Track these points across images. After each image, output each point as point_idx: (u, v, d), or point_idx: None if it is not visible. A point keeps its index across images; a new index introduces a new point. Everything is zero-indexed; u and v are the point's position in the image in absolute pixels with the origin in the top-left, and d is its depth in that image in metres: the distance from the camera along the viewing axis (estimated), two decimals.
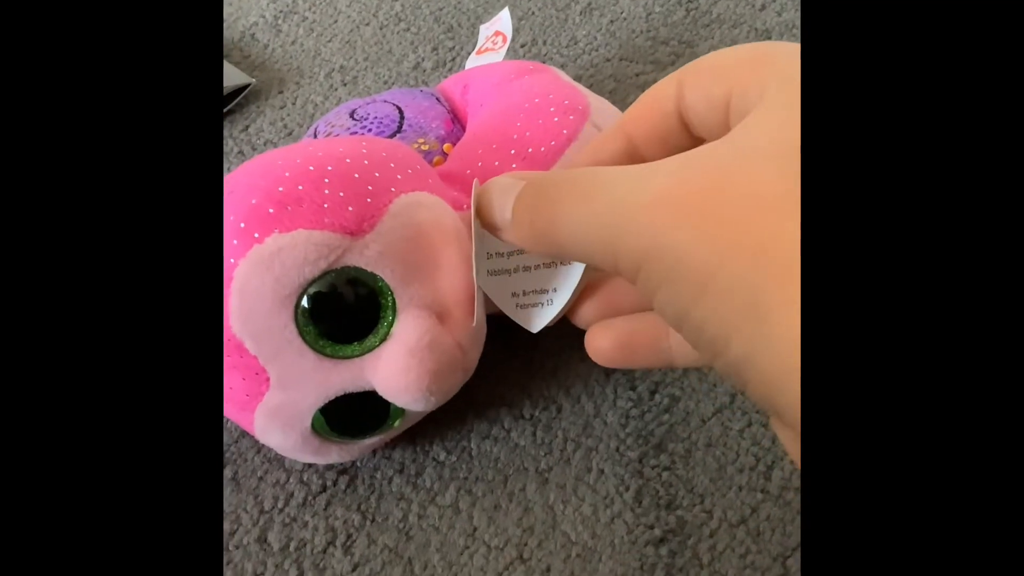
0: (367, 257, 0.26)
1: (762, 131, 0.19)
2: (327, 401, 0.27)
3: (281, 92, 0.50)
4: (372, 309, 0.26)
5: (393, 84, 0.50)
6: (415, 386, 0.26)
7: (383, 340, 0.27)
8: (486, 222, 0.25)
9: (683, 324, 0.20)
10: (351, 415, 0.29)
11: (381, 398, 0.28)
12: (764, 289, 0.17)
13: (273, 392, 0.27)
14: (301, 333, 0.25)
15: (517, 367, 0.35)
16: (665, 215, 0.19)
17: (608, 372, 0.35)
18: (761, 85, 0.20)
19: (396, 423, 0.30)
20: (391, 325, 0.27)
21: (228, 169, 0.46)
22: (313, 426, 0.28)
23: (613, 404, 0.34)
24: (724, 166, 0.19)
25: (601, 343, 0.26)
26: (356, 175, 0.26)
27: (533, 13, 0.55)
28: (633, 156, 0.25)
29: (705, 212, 0.18)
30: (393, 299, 0.26)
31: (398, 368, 0.26)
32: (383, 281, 0.26)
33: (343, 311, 0.26)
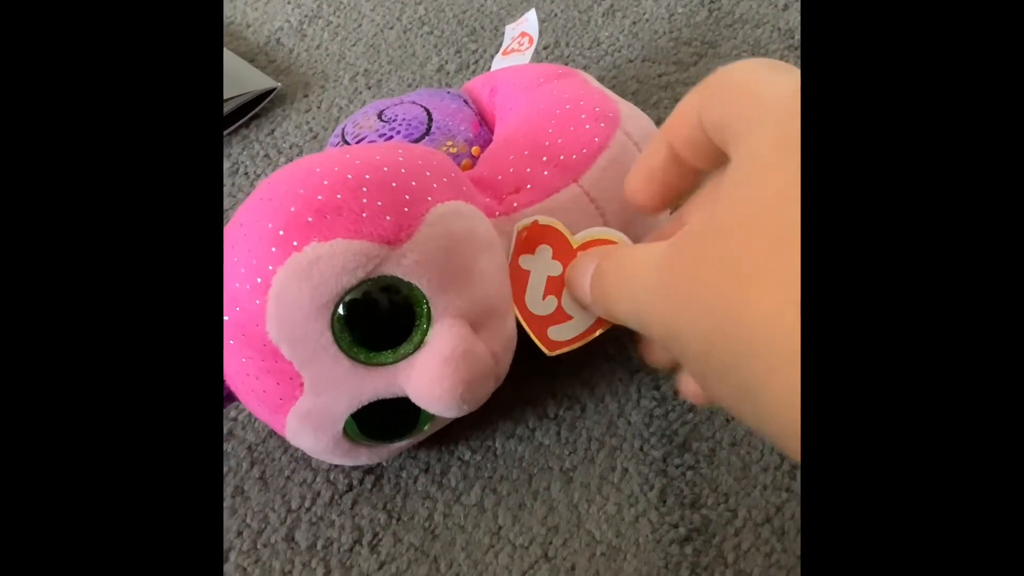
0: (404, 266, 0.26)
1: (742, 197, 0.20)
2: (360, 407, 0.28)
3: (306, 96, 0.51)
4: (407, 317, 0.27)
5: (417, 87, 0.51)
6: (449, 395, 0.27)
7: (417, 348, 0.27)
8: (581, 303, 0.30)
9: (714, 391, 0.22)
10: (383, 420, 0.29)
11: (412, 403, 0.28)
12: (749, 371, 0.19)
13: (306, 397, 0.27)
14: (336, 340, 0.26)
15: (541, 367, 0.35)
16: (667, 306, 0.22)
17: (632, 371, 0.35)
18: (747, 120, 0.21)
19: (426, 427, 0.30)
20: (425, 333, 0.27)
21: (256, 175, 0.46)
22: (345, 430, 0.28)
23: (637, 403, 0.34)
24: (708, 244, 0.21)
25: (692, 387, 0.27)
26: (393, 184, 0.26)
27: (556, 15, 0.55)
28: (678, 161, 0.25)
29: (693, 297, 0.21)
30: (428, 307, 0.27)
31: (432, 376, 0.27)
32: (419, 289, 0.26)
33: (378, 318, 0.26)
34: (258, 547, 0.31)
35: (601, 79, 0.50)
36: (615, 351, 0.36)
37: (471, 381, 0.27)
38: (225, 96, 0.47)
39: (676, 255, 0.22)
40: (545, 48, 0.53)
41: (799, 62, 0.24)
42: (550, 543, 0.31)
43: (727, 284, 0.19)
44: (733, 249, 0.19)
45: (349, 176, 0.26)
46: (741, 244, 0.19)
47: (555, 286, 0.30)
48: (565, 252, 0.30)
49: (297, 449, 0.33)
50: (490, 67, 0.48)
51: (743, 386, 0.19)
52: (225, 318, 0.26)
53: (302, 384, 0.27)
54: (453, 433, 0.34)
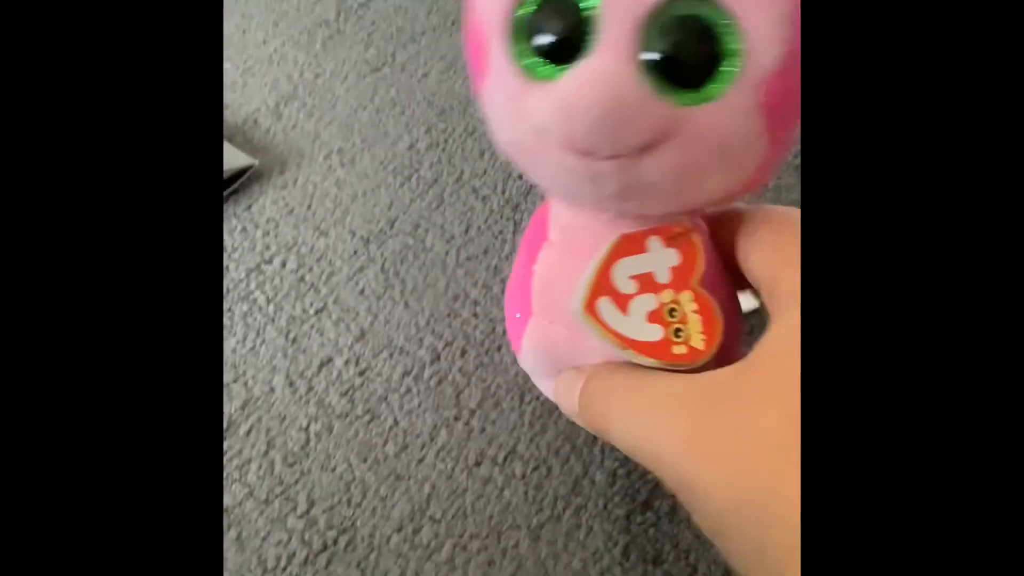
0: None
1: (770, 368, 0.21)
2: None
3: (283, 173, 0.53)
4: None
5: (390, 164, 0.53)
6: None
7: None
8: (566, 411, 0.28)
9: (718, 544, 0.22)
10: None
11: None
12: (770, 540, 0.19)
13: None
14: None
15: (506, 428, 0.37)
16: (692, 456, 0.22)
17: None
18: (782, 292, 0.23)
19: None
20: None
21: (234, 248, 0.48)
22: None
23: (600, 464, 0.36)
24: (740, 409, 0.21)
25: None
26: None
27: None
28: None
29: (722, 457, 0.21)
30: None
31: None
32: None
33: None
34: None
35: None
36: None
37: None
38: None
39: (714, 414, 0.22)
40: None
41: None
42: None
43: (759, 456, 0.20)
44: (766, 423, 0.20)
45: None
46: (777, 418, 0.20)
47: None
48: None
49: (273, 510, 0.34)
50: (460, 150, 0.50)
51: (758, 551, 0.20)
52: None
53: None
54: (424, 492, 0.35)
